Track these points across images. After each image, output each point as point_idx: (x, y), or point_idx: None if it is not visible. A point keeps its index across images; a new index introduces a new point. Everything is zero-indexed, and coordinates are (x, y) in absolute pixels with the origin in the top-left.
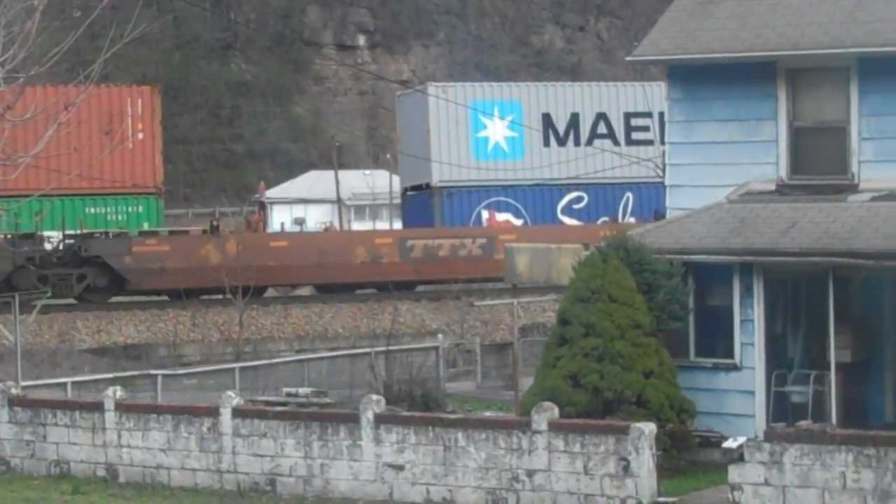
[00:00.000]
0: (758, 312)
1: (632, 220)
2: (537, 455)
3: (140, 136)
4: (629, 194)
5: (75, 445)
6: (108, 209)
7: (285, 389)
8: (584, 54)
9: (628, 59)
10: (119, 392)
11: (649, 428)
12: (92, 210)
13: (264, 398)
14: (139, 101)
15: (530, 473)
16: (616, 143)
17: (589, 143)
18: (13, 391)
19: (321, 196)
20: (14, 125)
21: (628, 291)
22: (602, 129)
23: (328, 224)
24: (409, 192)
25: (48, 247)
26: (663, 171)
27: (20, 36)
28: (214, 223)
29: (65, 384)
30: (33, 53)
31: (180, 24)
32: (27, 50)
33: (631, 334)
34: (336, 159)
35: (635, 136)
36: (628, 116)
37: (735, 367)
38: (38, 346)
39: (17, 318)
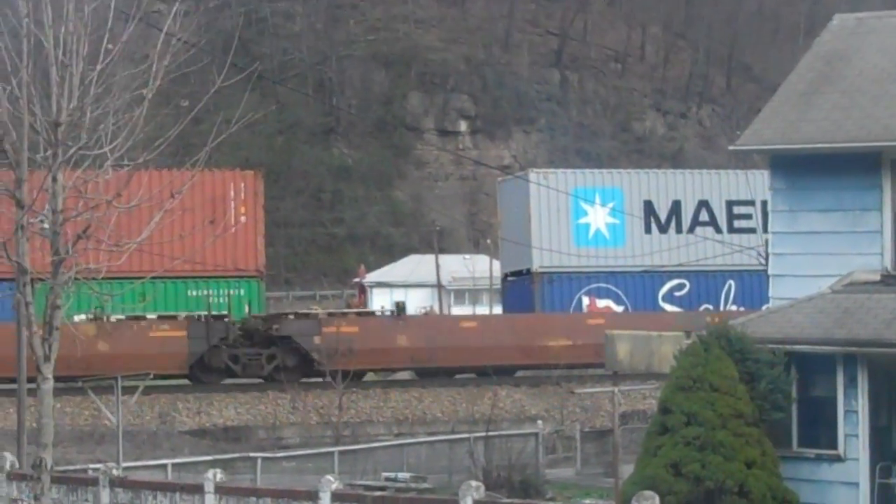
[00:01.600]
0: (862, 403)
1: (734, 308)
2: None
3: (242, 220)
4: (731, 282)
5: None
6: (211, 291)
7: (384, 474)
8: (685, 141)
9: (731, 147)
10: (219, 475)
11: None
12: (194, 293)
13: (363, 482)
14: (242, 185)
15: None
16: (718, 230)
17: (691, 230)
18: (114, 472)
19: (421, 280)
20: (121, 212)
21: (730, 381)
22: (704, 216)
23: (429, 308)
24: (509, 278)
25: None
26: (766, 259)
27: (128, 124)
28: (401, 304)
29: (165, 466)
30: (140, 140)
31: (283, 109)
32: (135, 138)
33: (733, 424)
34: (437, 244)
35: (737, 223)
36: (730, 204)
37: (839, 459)
38: (139, 427)
39: (119, 398)
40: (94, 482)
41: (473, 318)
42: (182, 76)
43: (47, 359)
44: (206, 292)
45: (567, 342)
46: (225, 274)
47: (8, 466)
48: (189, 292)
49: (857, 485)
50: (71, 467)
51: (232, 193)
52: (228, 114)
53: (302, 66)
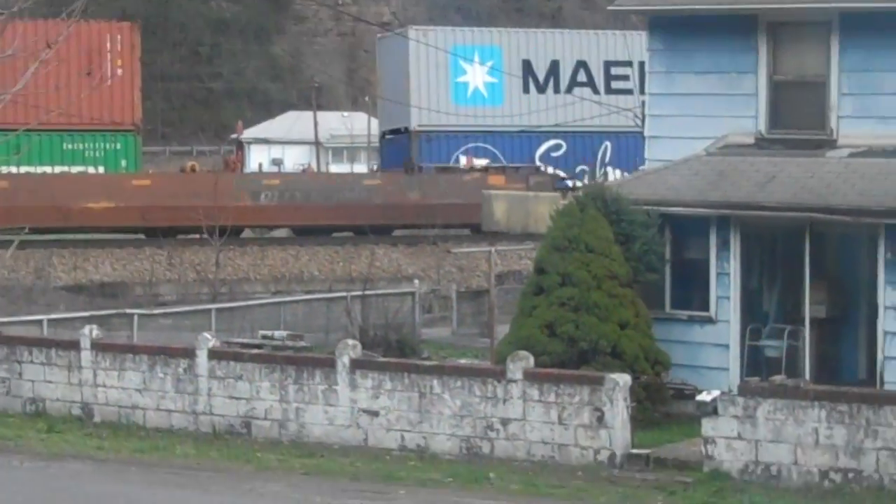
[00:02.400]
0: (734, 266)
1: (609, 169)
2: (512, 404)
3: (119, 73)
4: (607, 143)
5: (51, 384)
6: (87, 146)
7: (261, 332)
8: (565, 1)
9: (610, 7)
10: (95, 331)
11: (624, 379)
12: (70, 146)
13: (240, 340)
14: (119, 37)
15: (505, 422)
16: (596, 91)
17: (569, 90)
18: None
19: (299, 137)
20: None
21: (605, 242)
22: (582, 77)
23: (307, 166)
24: (387, 136)
25: None
26: (642, 121)
27: None
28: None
29: (41, 321)
30: None
31: None
32: None
33: (607, 285)
34: (315, 100)
35: (615, 84)
36: (609, 65)
37: (710, 321)
38: (14, 282)
39: None
40: None
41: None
42: None
43: None
44: (80, 146)
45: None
46: (101, 128)
47: None
48: (65, 146)
49: (727, 346)
50: None
51: (108, 45)
52: None
53: None
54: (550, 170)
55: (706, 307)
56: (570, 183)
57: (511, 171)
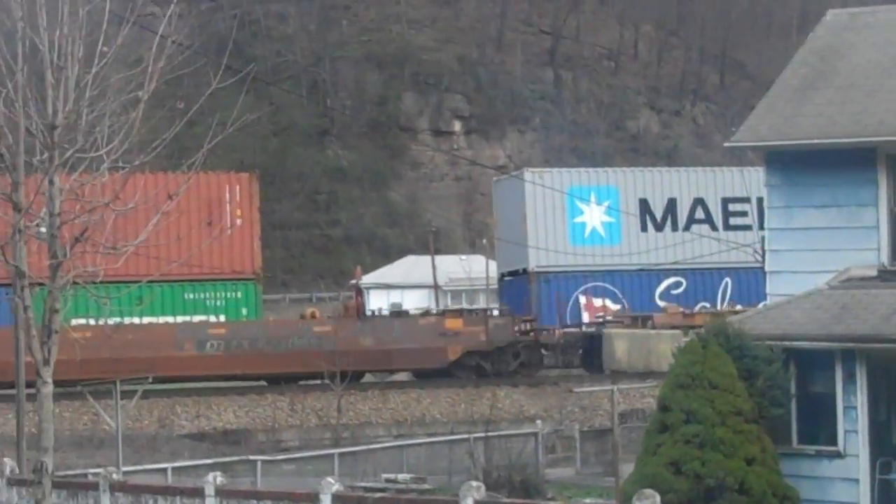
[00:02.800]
0: (861, 399)
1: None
2: None
3: (238, 222)
4: (728, 279)
5: None
6: (208, 295)
7: (384, 475)
8: (680, 139)
9: (726, 144)
10: (219, 478)
11: None
12: (191, 296)
13: (364, 484)
14: (237, 187)
15: None
16: (714, 228)
17: (687, 228)
18: (114, 476)
19: (418, 281)
20: (118, 214)
21: (729, 378)
22: (700, 213)
23: (427, 309)
24: (506, 278)
25: None
26: (762, 256)
27: (124, 126)
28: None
29: (165, 470)
30: (136, 143)
31: (277, 111)
32: (130, 140)
33: (732, 421)
34: (432, 245)
35: (733, 221)
36: (726, 201)
37: (838, 455)
38: (139, 432)
39: (118, 403)
40: (95, 486)
41: None
42: (176, 79)
43: (46, 362)
44: (202, 295)
45: None
46: (222, 276)
47: (8, 472)
48: (186, 295)
49: (857, 481)
50: (71, 472)
51: (227, 196)
52: (223, 116)
53: (295, 68)
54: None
55: (834, 441)
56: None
57: (468, 314)
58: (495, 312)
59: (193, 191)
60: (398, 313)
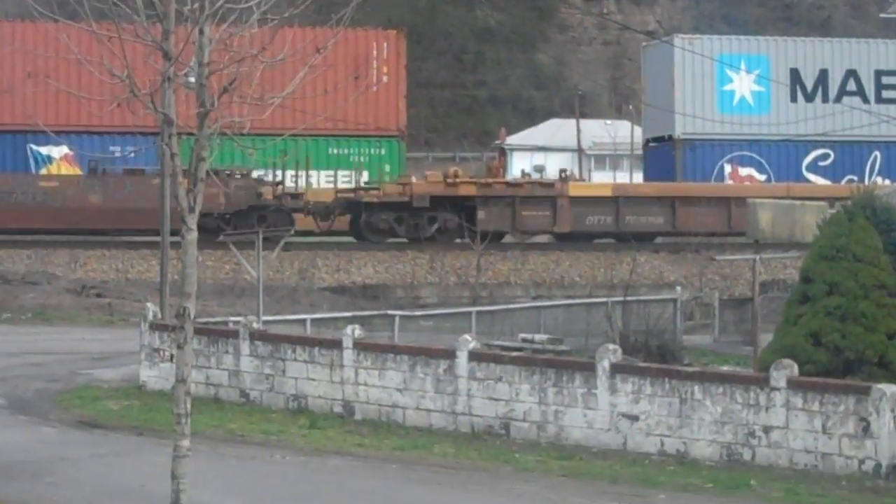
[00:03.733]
0: None
1: (879, 179)
2: (775, 412)
3: (385, 79)
4: (877, 153)
5: (313, 381)
6: (352, 150)
7: (521, 335)
8: (834, 10)
9: (882, 15)
10: (357, 330)
11: (891, 389)
12: (335, 151)
13: (500, 343)
14: (385, 44)
15: (767, 430)
16: (866, 100)
17: (837, 99)
18: (254, 325)
19: (561, 144)
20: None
21: (874, 251)
22: (851, 86)
23: (569, 172)
24: (651, 144)
25: None
26: None
27: None
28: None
29: (304, 321)
30: None
31: None
32: None
33: (875, 294)
34: (578, 108)
35: (886, 94)
36: (879, 74)
37: None
38: (279, 283)
39: (259, 253)
40: (235, 334)
41: None
42: None
43: (192, 210)
44: (346, 150)
45: None
46: (366, 133)
47: (151, 316)
48: (330, 150)
49: None
50: (212, 319)
51: (375, 53)
52: None
53: None
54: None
55: None
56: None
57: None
58: (238, 175)
59: (341, 47)
60: (131, 171)
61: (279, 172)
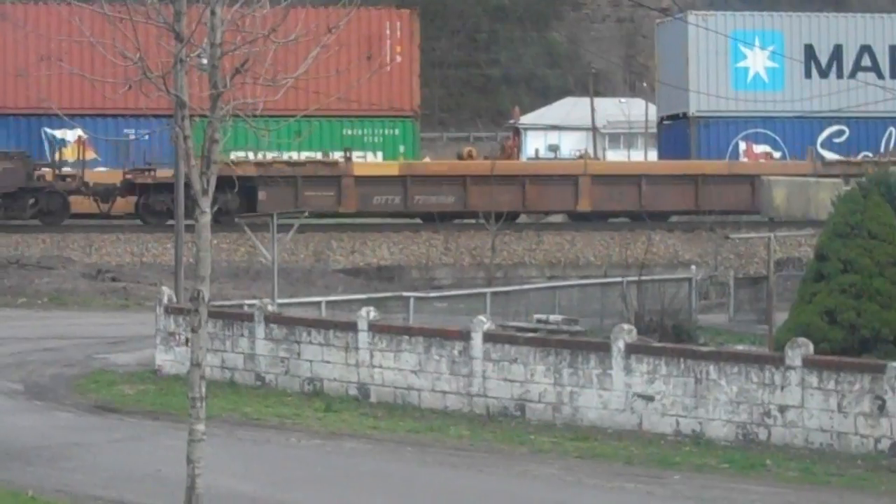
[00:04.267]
0: None
1: None
2: (790, 391)
3: (398, 59)
4: (892, 129)
5: (328, 364)
6: (365, 131)
7: (536, 316)
8: None
9: None
10: (372, 313)
11: None
12: (349, 132)
13: (515, 324)
14: (398, 24)
15: (782, 409)
16: (881, 76)
17: (852, 75)
18: (269, 308)
19: (576, 123)
20: (278, 46)
21: (889, 228)
22: (866, 61)
23: (584, 151)
24: (665, 122)
25: None
26: None
27: None
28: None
29: (319, 303)
30: None
31: None
32: None
33: (890, 272)
34: (592, 87)
35: None
36: (894, 49)
37: None
38: (294, 265)
39: (274, 236)
40: (250, 317)
41: None
42: None
43: (205, 192)
44: (360, 131)
45: None
46: (380, 113)
47: (166, 300)
48: (344, 131)
49: None
50: (227, 302)
51: (388, 32)
52: None
53: None
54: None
55: None
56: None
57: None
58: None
59: (354, 26)
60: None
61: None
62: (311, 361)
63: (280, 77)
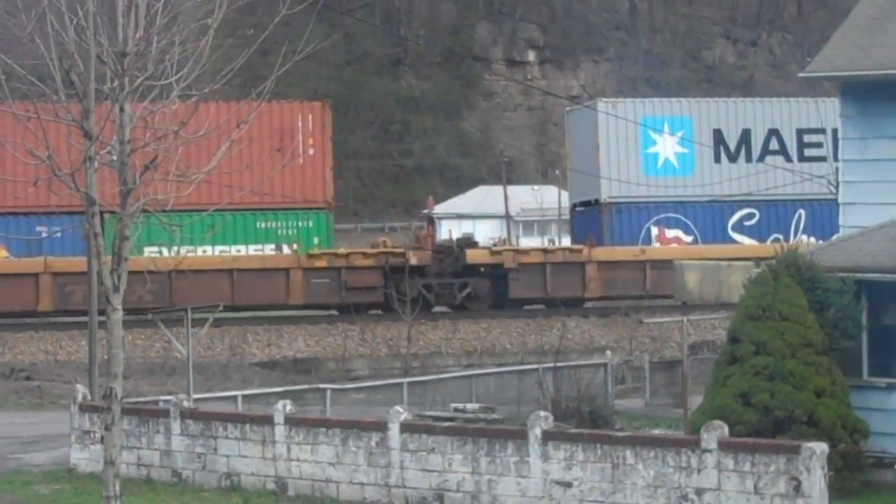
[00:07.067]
0: None
1: (804, 238)
2: (707, 474)
3: (311, 151)
4: (801, 211)
5: (245, 458)
6: (279, 224)
7: (453, 405)
8: (755, 70)
9: (801, 75)
10: (289, 406)
11: (821, 448)
12: (263, 225)
13: (432, 413)
14: (310, 116)
15: (699, 492)
16: (788, 159)
17: (761, 159)
18: (185, 404)
19: (490, 211)
20: (187, 142)
21: (799, 309)
22: (774, 145)
23: (498, 239)
24: (578, 208)
25: None
26: (836, 188)
27: (194, 54)
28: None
29: (235, 397)
30: (206, 71)
31: (351, 40)
32: (201, 68)
33: (802, 353)
34: (505, 175)
35: (808, 152)
36: (801, 133)
37: None
38: (210, 360)
39: (189, 331)
40: (165, 413)
41: None
42: (249, 6)
43: (116, 289)
44: (273, 224)
45: None
46: (293, 206)
47: (80, 398)
48: (258, 224)
49: None
50: (142, 399)
51: (300, 125)
52: (296, 45)
53: None
54: None
55: None
56: None
57: None
58: None
59: (266, 120)
60: None
61: None
62: (227, 456)
63: (191, 172)
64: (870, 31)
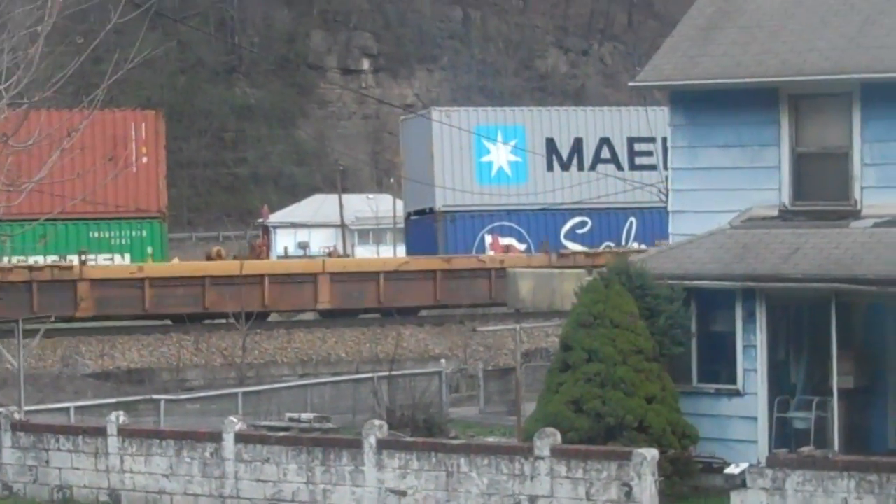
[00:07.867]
0: (760, 338)
1: (635, 245)
2: (540, 481)
3: (144, 160)
4: (633, 219)
5: (78, 470)
6: (112, 233)
7: (288, 415)
8: (587, 79)
9: (631, 84)
10: (122, 417)
11: (651, 454)
12: (96, 234)
13: (267, 423)
14: (143, 125)
15: (533, 499)
16: (620, 167)
17: (592, 167)
18: (16, 416)
19: (325, 220)
20: (17, 151)
21: (630, 317)
22: (606, 153)
23: (332, 248)
24: (413, 217)
25: None
26: (666, 196)
27: (24, 61)
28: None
29: (67, 409)
30: (37, 79)
31: (185, 48)
32: (31, 75)
33: (633, 360)
34: (340, 183)
35: (639, 160)
36: (632, 141)
37: (737, 393)
38: (42, 371)
39: (20, 342)
40: None
41: None
42: (80, 13)
43: None
44: (107, 234)
45: None
46: (126, 215)
47: None
48: (91, 234)
49: (755, 419)
50: None
51: (133, 133)
52: (129, 53)
53: (203, 4)
54: None
55: (733, 380)
56: None
57: None
58: None
59: (98, 128)
60: None
61: None
62: (60, 469)
63: (21, 181)
64: (698, 42)
